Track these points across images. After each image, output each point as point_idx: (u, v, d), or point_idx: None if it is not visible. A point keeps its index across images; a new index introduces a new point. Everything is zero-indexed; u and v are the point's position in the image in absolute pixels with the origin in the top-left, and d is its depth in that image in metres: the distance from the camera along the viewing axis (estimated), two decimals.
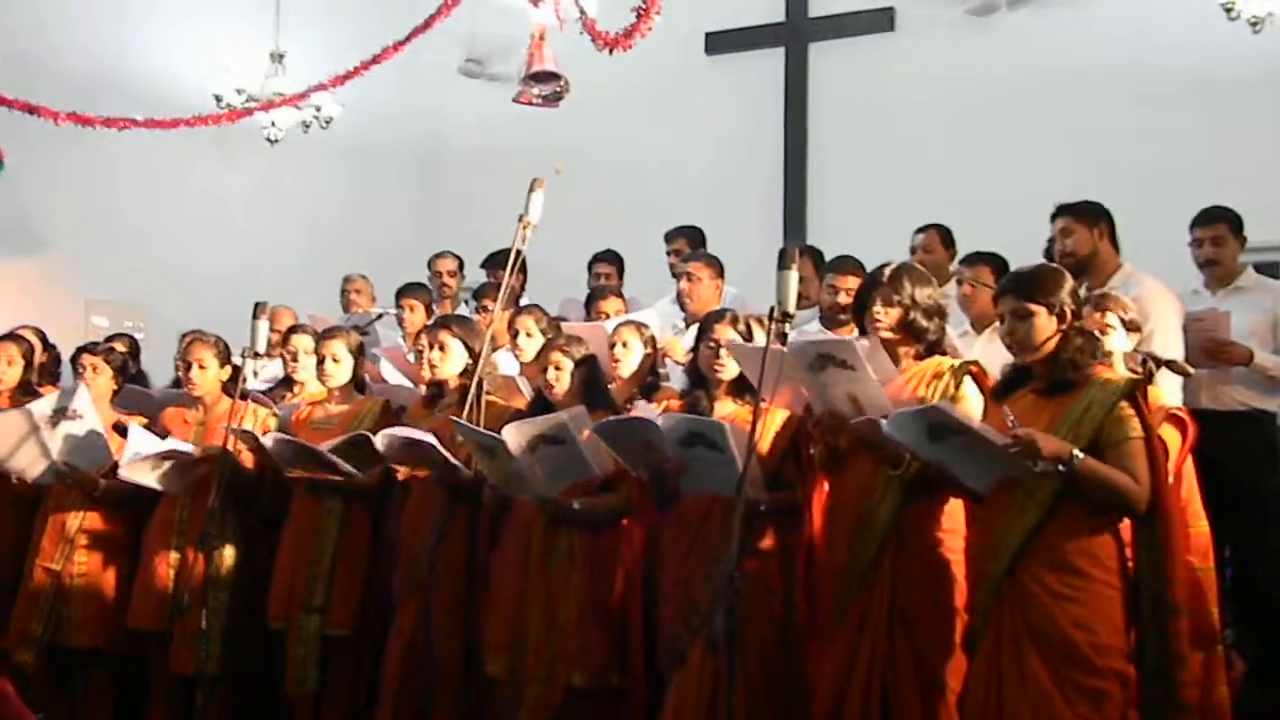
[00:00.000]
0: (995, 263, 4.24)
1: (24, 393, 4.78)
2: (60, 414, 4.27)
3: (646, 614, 3.54)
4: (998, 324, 2.98)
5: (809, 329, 4.31)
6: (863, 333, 3.25)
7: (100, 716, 4.34)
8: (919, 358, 3.19)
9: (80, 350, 4.66)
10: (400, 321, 5.63)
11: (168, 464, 4.12)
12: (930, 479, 2.97)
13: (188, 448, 4.14)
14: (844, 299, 4.08)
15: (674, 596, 3.34)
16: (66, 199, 7.89)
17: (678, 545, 3.37)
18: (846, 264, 4.26)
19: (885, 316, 3.16)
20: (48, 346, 5.19)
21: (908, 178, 7.28)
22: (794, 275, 2.80)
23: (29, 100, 6.96)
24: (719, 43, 8.40)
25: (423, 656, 3.71)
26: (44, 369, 5.08)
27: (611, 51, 5.18)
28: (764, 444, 3.26)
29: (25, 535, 4.43)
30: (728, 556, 2.48)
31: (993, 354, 3.42)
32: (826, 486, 3.31)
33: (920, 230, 5.09)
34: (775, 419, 3.35)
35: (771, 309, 2.81)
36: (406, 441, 3.69)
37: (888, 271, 3.22)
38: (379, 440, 3.72)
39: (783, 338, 2.78)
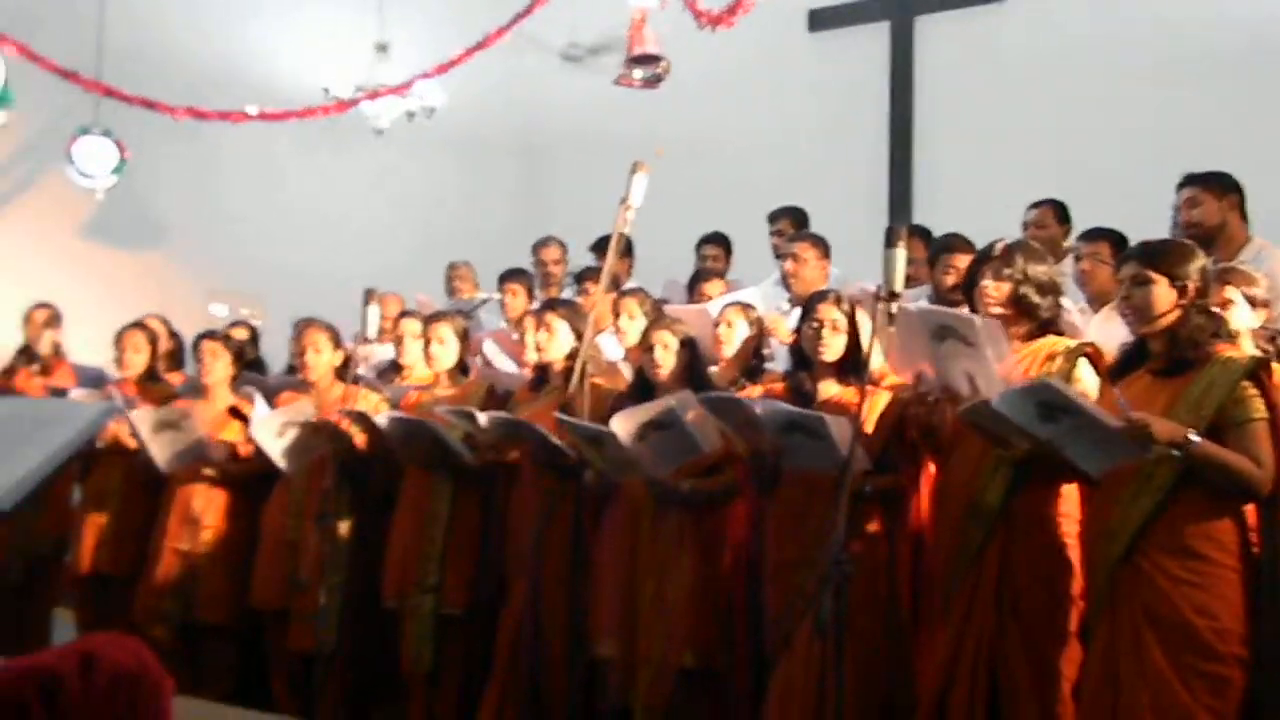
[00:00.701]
0: (1115, 238, 4.09)
1: (150, 379, 4.98)
2: (166, 425, 4.39)
3: (751, 596, 3.53)
4: (1116, 301, 2.88)
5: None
6: (973, 311, 3.16)
7: (224, 690, 4.50)
8: (1030, 337, 3.10)
9: (200, 337, 4.83)
10: (502, 307, 5.69)
11: (289, 435, 4.20)
12: (1042, 461, 2.88)
13: (309, 411, 4.23)
14: (955, 279, 3.98)
15: (778, 579, 3.31)
16: (185, 192, 8.17)
17: (781, 528, 3.35)
18: (958, 242, 4.14)
19: (995, 291, 3.07)
20: (172, 335, 5.39)
21: (1019, 154, 7.07)
22: (901, 254, 2.74)
23: (148, 97, 7.22)
24: (823, 18, 8.26)
25: (531, 637, 3.75)
26: (169, 356, 5.28)
27: (714, 29, 5.13)
28: (869, 426, 3.20)
29: (152, 516, 4.62)
30: (834, 540, 2.44)
31: (1109, 333, 3.30)
32: (934, 469, 3.24)
33: (1034, 206, 4.94)
34: (880, 401, 3.29)
35: (877, 288, 2.75)
36: (511, 423, 3.74)
37: (999, 246, 3.13)
38: (483, 420, 3.77)
39: (889, 318, 2.72)
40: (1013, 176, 6.50)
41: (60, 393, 4.81)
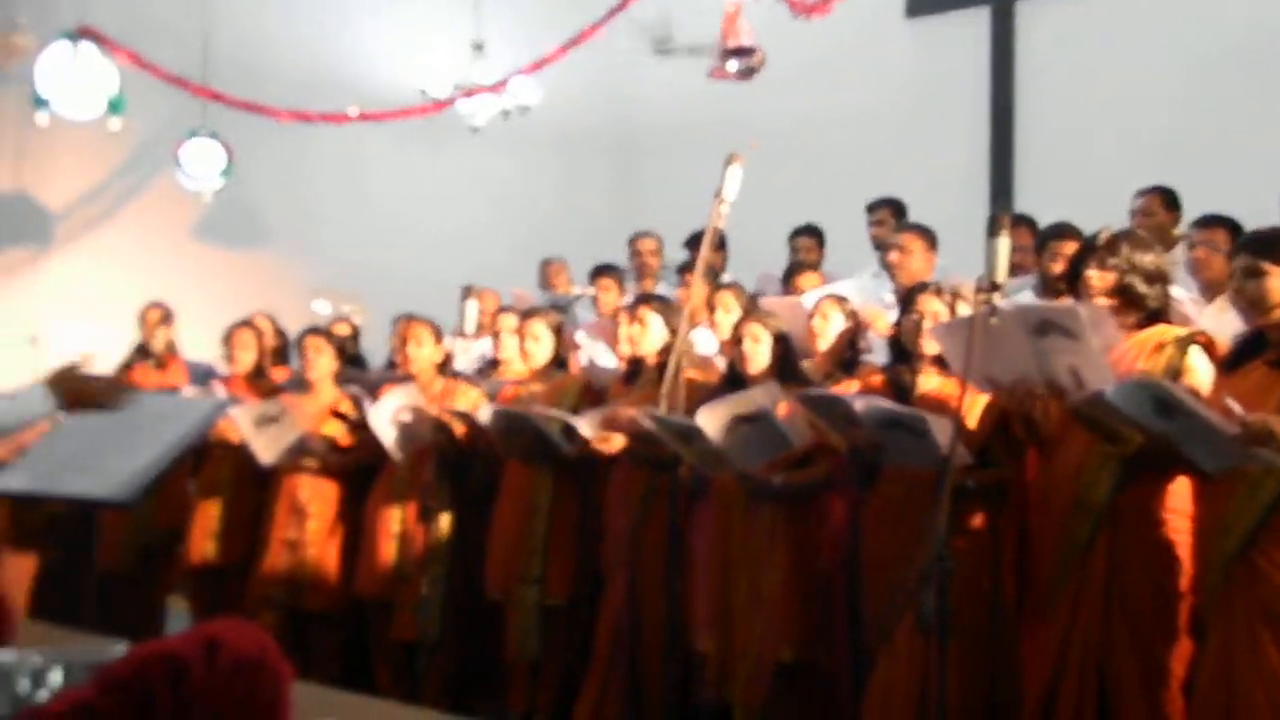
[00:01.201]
0: (1231, 226, 3.95)
1: (257, 375, 5.12)
2: (267, 420, 4.50)
3: (849, 590, 3.49)
4: (1229, 292, 2.78)
5: (1022, 299, 4.12)
6: (1077, 299, 3.09)
7: (330, 677, 4.61)
8: (1139, 327, 3.01)
9: (304, 334, 4.95)
10: (595, 302, 5.72)
11: (400, 420, 4.28)
12: (1155, 455, 2.79)
13: (416, 394, 4.29)
14: (1063, 267, 3.88)
15: (879, 574, 3.28)
16: (288, 192, 8.38)
17: (881, 523, 3.31)
18: (1067, 230, 4.02)
19: (1100, 281, 3.00)
20: (278, 332, 5.54)
21: (1124, 139, 6.87)
22: (1005, 243, 2.67)
23: (254, 100, 7.43)
24: (921, 4, 8.11)
25: (630, 630, 3.77)
26: (275, 353, 5.43)
27: (809, 17, 5.08)
28: (970, 420, 3.14)
29: (261, 508, 4.75)
30: (935, 535, 2.41)
31: (1224, 323, 3.19)
32: (1037, 463, 3.17)
33: (1141, 193, 4.80)
34: (983, 395, 3.22)
35: (979, 279, 2.70)
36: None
37: (1104, 235, 3.05)
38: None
39: (992, 310, 2.66)
40: (1118, 163, 6.32)
41: (174, 389, 4.98)
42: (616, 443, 3.77)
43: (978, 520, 3.19)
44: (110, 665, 0.94)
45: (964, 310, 3.30)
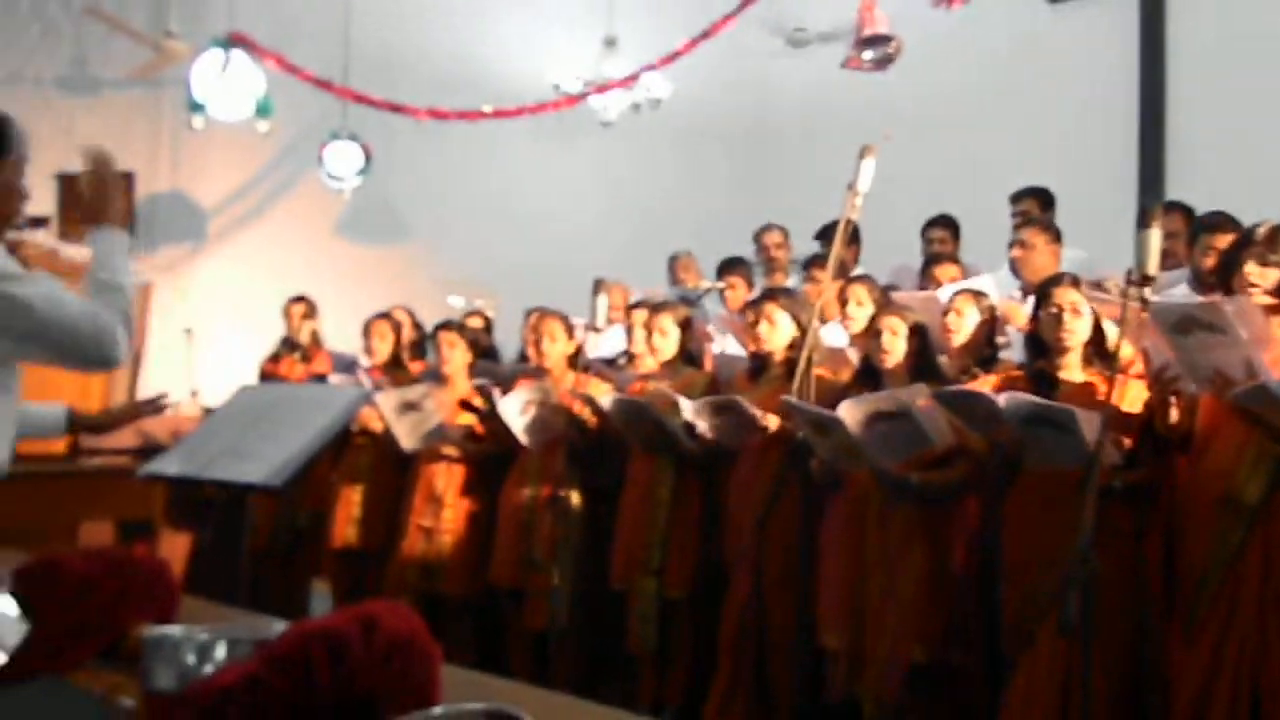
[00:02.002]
0: None
1: (395, 366, 5.28)
2: (408, 407, 4.62)
3: (986, 591, 3.41)
4: None
5: (1176, 292, 3.95)
6: (1229, 295, 2.95)
7: (465, 660, 4.72)
8: None
9: (438, 328, 5.07)
10: (723, 297, 5.69)
11: (531, 412, 4.34)
12: None
13: (550, 389, 4.36)
14: (1214, 260, 3.71)
15: (1019, 575, 3.19)
16: (425, 189, 8.60)
17: (1022, 523, 3.22)
18: (1223, 221, 3.84)
19: (1261, 278, 2.86)
20: (415, 325, 5.70)
21: None
22: (1156, 234, 2.57)
23: (393, 100, 7.65)
24: None
25: (756, 625, 3.76)
26: (412, 346, 5.58)
27: (949, 6, 4.96)
28: (1119, 417, 3.03)
29: (400, 495, 4.89)
30: (1080, 537, 2.33)
31: None
32: (1185, 465, 3.04)
33: None
34: (1132, 390, 3.11)
35: (1129, 272, 2.60)
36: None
37: (1264, 230, 2.90)
38: (688, 410, 3.80)
39: (1143, 302, 2.56)
40: (1276, 152, 6.00)
41: (319, 379, 5.16)
42: (773, 422, 3.74)
43: (1123, 522, 3.08)
44: (273, 641, 0.98)
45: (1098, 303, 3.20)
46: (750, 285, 5.61)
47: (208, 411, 4.58)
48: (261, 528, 5.20)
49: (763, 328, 3.97)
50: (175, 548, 5.17)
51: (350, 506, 5.07)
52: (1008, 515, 3.29)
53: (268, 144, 7.82)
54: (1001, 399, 3.06)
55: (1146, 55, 7.45)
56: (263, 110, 7.19)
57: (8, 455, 2.18)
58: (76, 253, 6.64)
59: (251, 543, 4.98)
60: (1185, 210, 4.53)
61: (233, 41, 7.01)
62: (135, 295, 2.14)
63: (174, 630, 1.17)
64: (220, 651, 1.09)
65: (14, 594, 1.23)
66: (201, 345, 6.78)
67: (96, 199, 2.20)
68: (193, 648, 1.09)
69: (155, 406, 2.65)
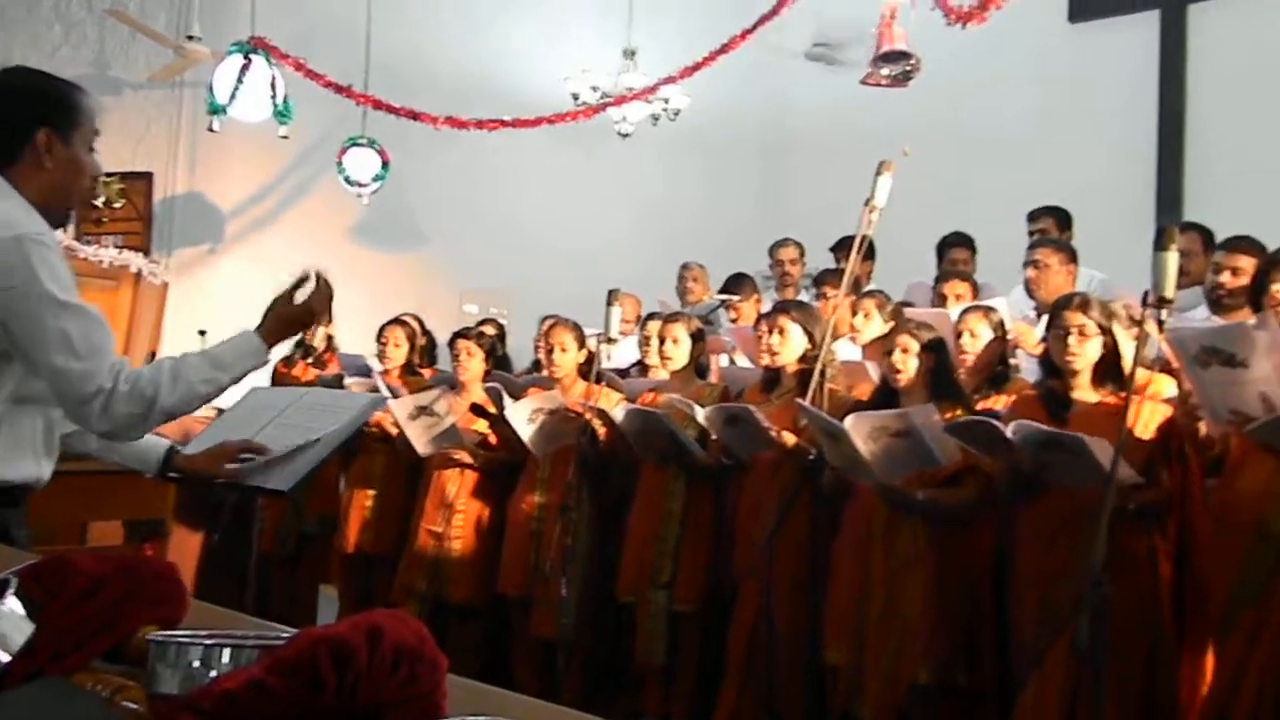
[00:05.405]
0: None
1: (409, 372, 5.28)
2: (422, 411, 4.62)
3: (997, 610, 3.38)
4: None
5: (1195, 314, 3.93)
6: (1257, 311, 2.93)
7: (470, 669, 4.70)
8: None
9: (455, 335, 5.07)
10: (729, 309, 5.68)
11: (540, 421, 4.33)
12: None
13: (560, 400, 4.35)
14: (1228, 279, 3.69)
15: (1031, 596, 3.17)
16: (441, 196, 8.62)
17: (1035, 543, 3.19)
18: (1239, 242, 3.81)
19: None
20: (425, 332, 5.70)
21: None
22: (1173, 256, 2.55)
23: (411, 107, 7.66)
24: (1085, 8, 7.84)
25: (765, 638, 3.74)
26: (424, 352, 5.58)
27: (964, 26, 4.96)
28: (1133, 441, 3.01)
29: (411, 501, 4.89)
30: (1092, 558, 2.31)
31: None
32: (1200, 482, 3.02)
33: None
34: (1147, 411, 3.08)
35: (1145, 294, 2.58)
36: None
37: None
38: (701, 415, 3.80)
39: (1160, 325, 2.54)
40: None
41: (333, 381, 5.16)
42: (788, 439, 3.73)
43: (1137, 543, 3.06)
44: (279, 647, 0.97)
45: (1119, 324, 3.18)
46: (758, 300, 5.60)
47: (219, 412, 4.58)
48: (268, 532, 5.21)
49: (774, 340, 3.96)
50: (186, 549, 5.17)
51: (362, 511, 5.07)
52: (1022, 535, 3.27)
53: (286, 148, 7.84)
54: (1011, 428, 3.03)
55: (1166, 76, 7.44)
56: (282, 114, 7.21)
57: (36, 471, 2.17)
58: (91, 253, 6.69)
59: (259, 547, 4.98)
60: (1203, 231, 4.51)
61: (254, 45, 7.04)
62: (200, 399, 2.12)
63: (178, 634, 1.16)
64: (225, 656, 1.08)
65: (20, 594, 1.23)
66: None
67: (303, 314, 2.24)
68: (198, 652, 1.08)
69: (252, 449, 2.44)
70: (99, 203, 7.17)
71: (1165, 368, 3.15)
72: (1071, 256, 4.52)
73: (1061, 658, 2.93)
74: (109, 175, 7.19)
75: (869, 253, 5.54)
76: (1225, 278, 3.73)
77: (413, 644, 0.93)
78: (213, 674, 1.06)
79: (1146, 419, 3.08)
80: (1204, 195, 7.12)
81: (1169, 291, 2.55)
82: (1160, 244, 2.57)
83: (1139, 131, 7.48)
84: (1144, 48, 7.55)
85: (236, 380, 2.21)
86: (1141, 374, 3.03)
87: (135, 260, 6.96)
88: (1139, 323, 2.56)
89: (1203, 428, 2.94)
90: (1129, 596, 2.97)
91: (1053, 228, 5.26)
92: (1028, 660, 3.12)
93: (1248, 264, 3.44)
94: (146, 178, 7.52)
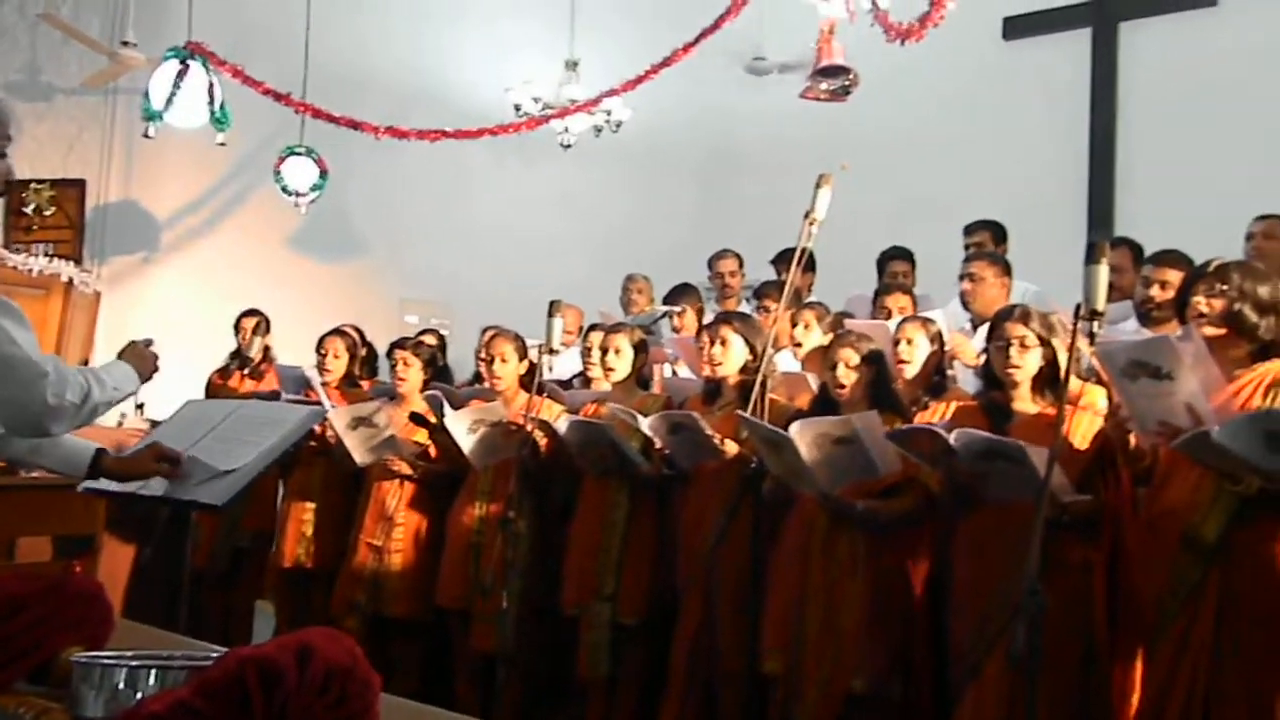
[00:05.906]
0: None
1: (349, 384, 5.22)
2: (361, 422, 4.57)
3: (933, 624, 3.41)
4: None
5: (1125, 326, 4.02)
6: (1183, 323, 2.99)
7: (409, 684, 4.65)
8: (1251, 360, 2.90)
9: (393, 346, 5.03)
10: (672, 319, 5.69)
11: (480, 432, 4.30)
12: (1273, 496, 2.68)
13: (501, 413, 4.33)
14: (1158, 293, 3.79)
15: (967, 607, 3.20)
16: (382, 206, 8.55)
17: (971, 554, 3.23)
18: (1168, 256, 3.91)
19: (1208, 308, 2.90)
20: (365, 342, 5.64)
21: (1231, 167, 6.66)
22: (1103, 270, 2.60)
23: (351, 116, 7.59)
24: (1018, 27, 8.01)
25: (708, 650, 3.74)
26: (364, 363, 5.53)
27: (903, 42, 5.03)
28: (1070, 452, 3.06)
29: (350, 514, 4.82)
30: (1027, 567, 2.34)
31: None
32: (1132, 493, 3.08)
33: (1260, 218, 4.63)
34: (1083, 423, 3.14)
35: (1077, 306, 2.63)
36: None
37: (1214, 263, 2.95)
38: (645, 424, 3.80)
39: (1091, 337, 2.59)
40: (1224, 190, 6.13)
41: (269, 395, 5.08)
42: (731, 448, 3.74)
43: (1071, 553, 3.10)
44: (206, 668, 0.95)
45: (1057, 336, 3.23)
46: (700, 312, 5.62)
47: (153, 424, 4.48)
48: (203, 547, 5.11)
49: (716, 350, 3.97)
50: (118, 565, 5.05)
51: (300, 525, 4.99)
52: (958, 547, 3.30)
53: (223, 156, 7.73)
54: (953, 436, 3.07)
55: (1097, 93, 7.61)
56: (219, 122, 7.10)
57: None
58: (20, 262, 6.54)
59: (193, 563, 4.89)
60: (1133, 246, 4.62)
61: (191, 52, 6.93)
62: (104, 405, 2.33)
63: (103, 656, 1.13)
64: (151, 678, 1.06)
65: None
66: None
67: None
68: (123, 674, 1.05)
69: (174, 459, 2.66)
70: (28, 210, 7.00)
71: (1100, 379, 3.21)
72: (1006, 269, 4.60)
73: (998, 670, 2.96)
74: (39, 182, 7.05)
75: (809, 265, 5.58)
76: (1154, 291, 3.83)
77: (344, 663, 0.91)
78: (139, 696, 1.04)
79: (1085, 430, 3.13)
80: (1134, 210, 7.29)
81: (1100, 304, 2.59)
82: (1091, 258, 2.61)
83: (1071, 147, 7.65)
84: (1076, 65, 7.73)
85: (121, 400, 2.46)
86: (1075, 384, 3.09)
87: (66, 269, 6.82)
88: (1071, 334, 2.60)
89: (1133, 439, 3.00)
90: (1063, 605, 3.00)
91: (988, 241, 5.35)
92: (965, 672, 3.15)
93: (1176, 278, 3.52)
94: (79, 185, 7.35)
